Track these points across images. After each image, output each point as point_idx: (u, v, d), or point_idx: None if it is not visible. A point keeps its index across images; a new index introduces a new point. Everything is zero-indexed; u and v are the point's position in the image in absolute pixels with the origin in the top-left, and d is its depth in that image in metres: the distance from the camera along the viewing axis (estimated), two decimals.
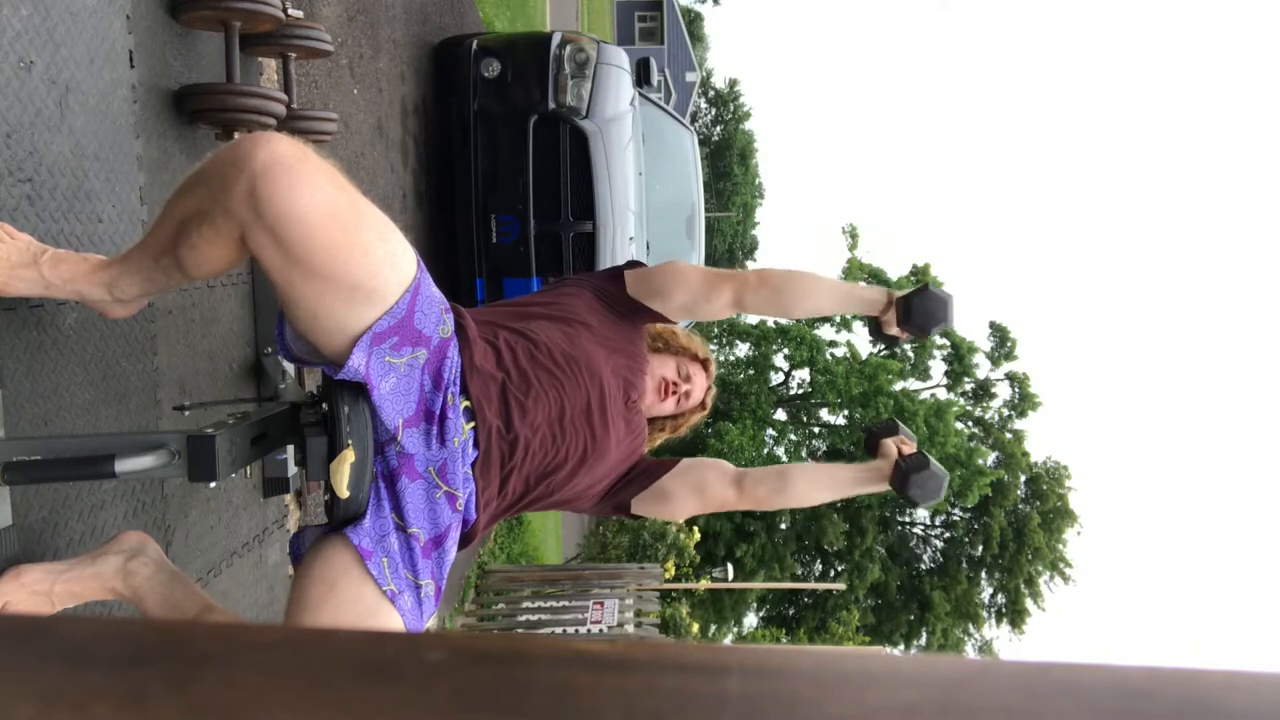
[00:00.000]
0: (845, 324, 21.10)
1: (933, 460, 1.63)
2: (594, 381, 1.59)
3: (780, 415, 20.41)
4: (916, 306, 1.65)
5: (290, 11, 2.51)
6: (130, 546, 1.60)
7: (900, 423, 1.79)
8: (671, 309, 1.71)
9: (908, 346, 20.46)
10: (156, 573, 1.57)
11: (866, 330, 1.80)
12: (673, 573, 8.07)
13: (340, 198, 1.18)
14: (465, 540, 1.55)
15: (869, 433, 1.80)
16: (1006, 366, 21.14)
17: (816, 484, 1.74)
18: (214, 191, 1.20)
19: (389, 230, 1.25)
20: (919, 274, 20.32)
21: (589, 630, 5.59)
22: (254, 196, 1.14)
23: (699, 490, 1.74)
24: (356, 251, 1.19)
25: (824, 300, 1.70)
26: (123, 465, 1.32)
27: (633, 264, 1.79)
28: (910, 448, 1.71)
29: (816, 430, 20.77)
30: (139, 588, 1.55)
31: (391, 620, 1.38)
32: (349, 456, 1.34)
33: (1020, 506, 21.06)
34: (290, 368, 2.43)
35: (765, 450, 18.97)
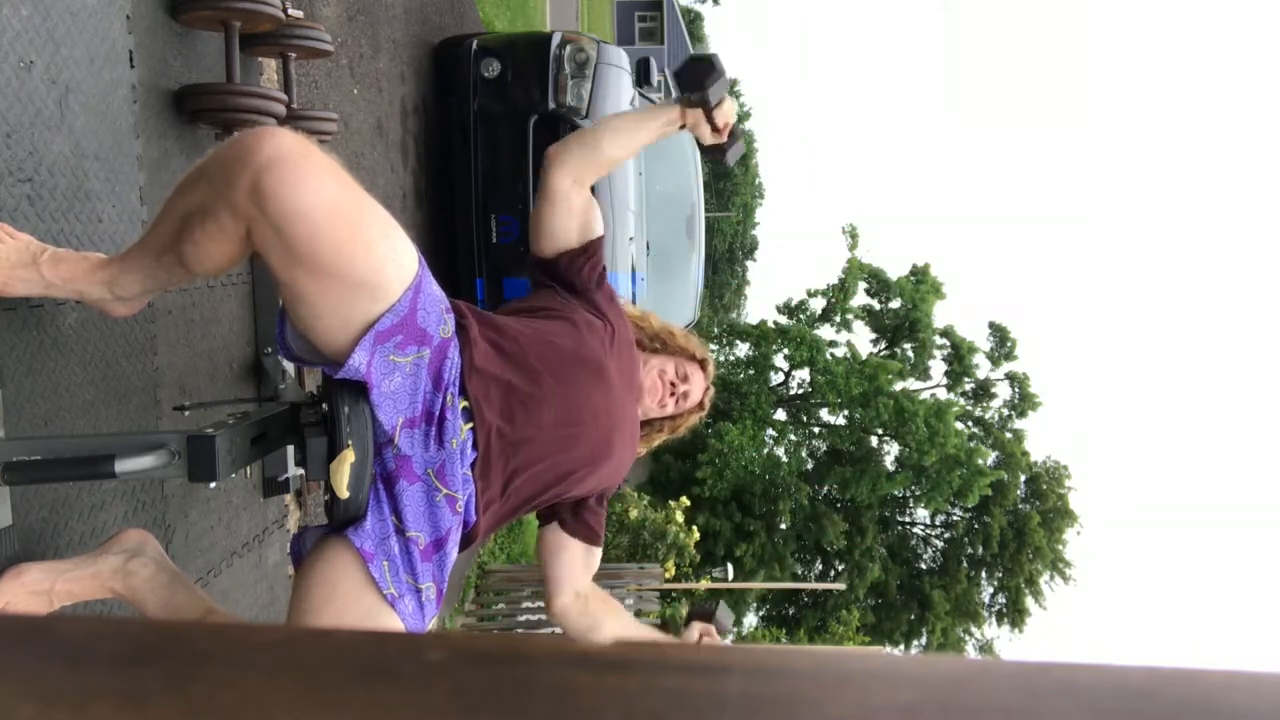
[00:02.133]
0: (845, 324, 21.11)
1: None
2: (604, 382, 1.59)
3: (780, 415, 20.40)
4: (684, 79, 1.70)
5: (290, 11, 2.51)
6: (131, 546, 1.60)
7: (723, 608, 1.84)
8: (570, 231, 1.73)
9: (897, 315, 20.46)
10: (157, 573, 1.57)
11: (702, 155, 1.89)
12: (673, 573, 8.07)
13: (343, 193, 1.18)
14: (466, 542, 1.54)
15: (692, 607, 1.88)
16: (1006, 366, 21.14)
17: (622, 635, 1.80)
18: (217, 188, 1.20)
19: (391, 226, 1.25)
20: (919, 274, 20.33)
21: None
22: (258, 192, 1.14)
23: (560, 580, 1.76)
24: (360, 247, 1.19)
25: (628, 131, 1.75)
26: (123, 465, 1.32)
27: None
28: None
29: (816, 430, 20.76)
30: (138, 588, 1.54)
31: (392, 624, 1.38)
32: (349, 457, 1.34)
33: (1020, 506, 21.05)
34: (290, 368, 2.43)
35: (765, 450, 18.98)
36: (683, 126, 1.75)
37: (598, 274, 1.76)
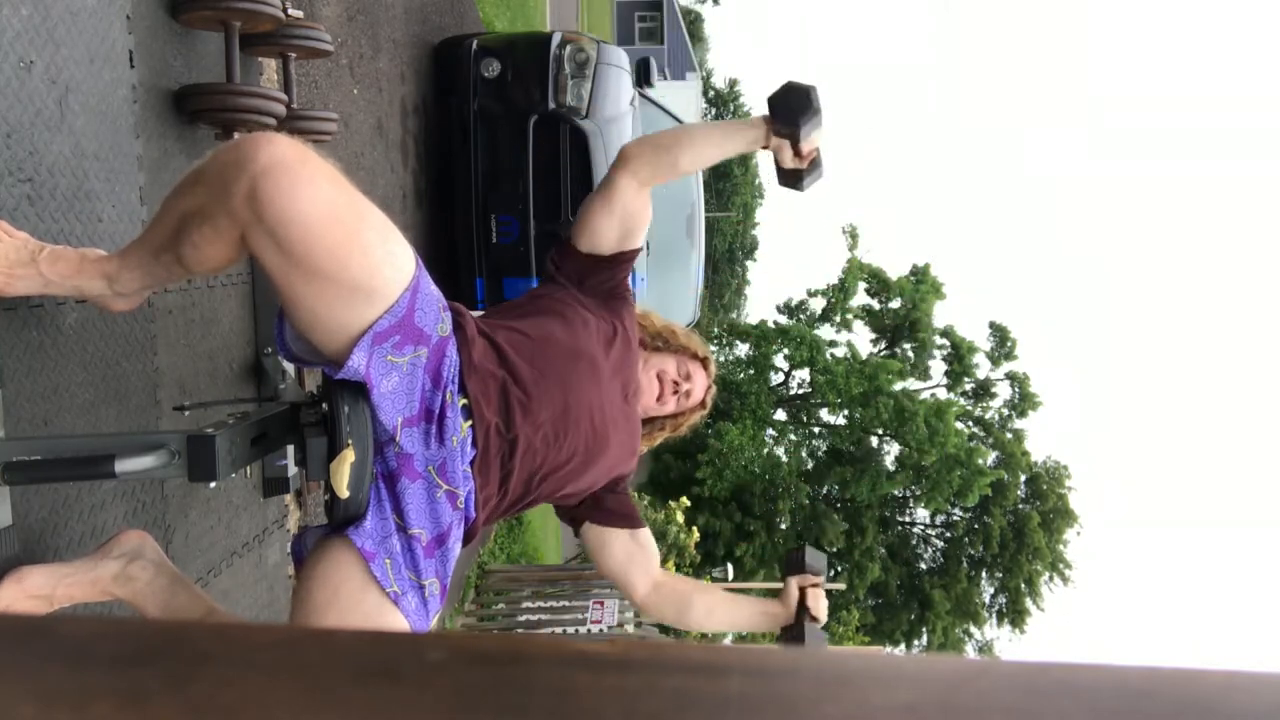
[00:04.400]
0: (845, 324, 21.12)
1: (809, 633, 1.68)
2: (596, 378, 1.59)
3: (780, 415, 20.40)
4: (779, 107, 1.63)
5: (290, 11, 2.51)
6: (130, 548, 1.60)
7: (806, 556, 1.79)
8: (609, 232, 1.71)
9: (897, 315, 20.48)
10: (156, 576, 1.57)
11: (777, 179, 1.78)
12: (673, 573, 8.06)
13: (340, 199, 1.18)
14: (466, 538, 1.55)
15: (784, 562, 1.84)
16: (1006, 366, 21.15)
17: (714, 618, 1.80)
18: (214, 191, 1.20)
19: (388, 229, 1.26)
20: (919, 274, 20.34)
21: (589, 630, 5.59)
22: (254, 198, 1.14)
23: (624, 569, 1.76)
24: (356, 251, 1.19)
25: (708, 145, 1.71)
26: (123, 465, 1.32)
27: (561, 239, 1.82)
28: (813, 599, 1.74)
29: (816, 430, 20.77)
30: (139, 592, 1.54)
31: (396, 622, 1.38)
32: (349, 456, 1.34)
33: (1020, 506, 21.05)
34: (290, 368, 2.43)
35: (765, 450, 18.98)
36: (765, 147, 1.71)
37: (617, 281, 1.76)
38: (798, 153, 1.69)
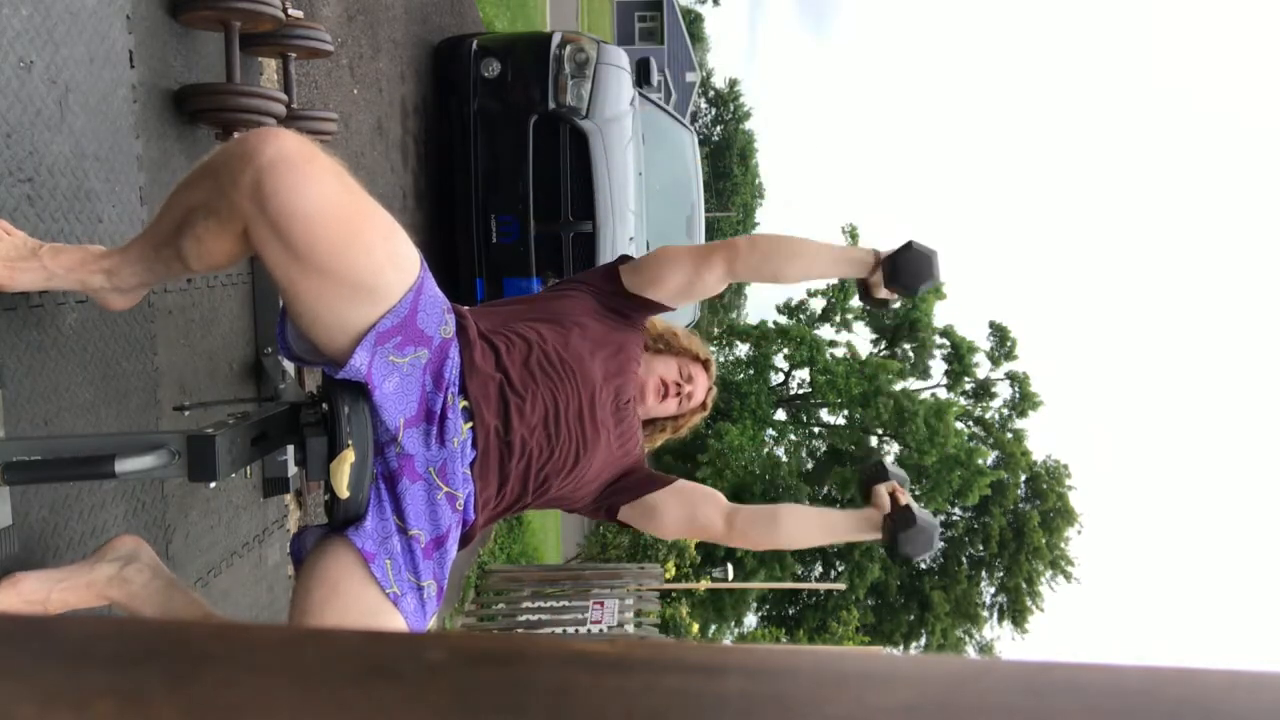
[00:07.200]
0: (845, 324, 21.13)
1: (919, 514, 1.63)
2: (585, 383, 1.59)
3: (780, 415, 20.40)
4: (901, 265, 1.65)
5: (290, 11, 2.51)
6: (125, 553, 1.60)
7: (887, 465, 1.77)
8: (668, 294, 1.69)
9: (897, 315, 20.47)
10: (152, 579, 1.57)
11: (857, 295, 1.79)
12: (673, 573, 8.07)
13: (345, 196, 1.18)
14: (464, 540, 1.55)
15: (861, 476, 1.80)
16: (1006, 366, 21.15)
17: (807, 528, 1.73)
18: (220, 185, 1.20)
19: (393, 230, 1.26)
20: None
21: (589, 630, 5.59)
22: (259, 192, 1.14)
23: (689, 516, 1.72)
24: (359, 250, 1.19)
25: (814, 263, 1.69)
26: (123, 465, 1.32)
27: (624, 259, 1.79)
28: (903, 495, 1.70)
29: (816, 430, 20.77)
30: (135, 594, 1.54)
31: (395, 622, 1.38)
32: (349, 457, 1.34)
33: (1020, 506, 21.05)
34: (290, 367, 2.43)
35: (765, 450, 18.98)
36: (866, 278, 1.70)
37: (639, 315, 1.75)
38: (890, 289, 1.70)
